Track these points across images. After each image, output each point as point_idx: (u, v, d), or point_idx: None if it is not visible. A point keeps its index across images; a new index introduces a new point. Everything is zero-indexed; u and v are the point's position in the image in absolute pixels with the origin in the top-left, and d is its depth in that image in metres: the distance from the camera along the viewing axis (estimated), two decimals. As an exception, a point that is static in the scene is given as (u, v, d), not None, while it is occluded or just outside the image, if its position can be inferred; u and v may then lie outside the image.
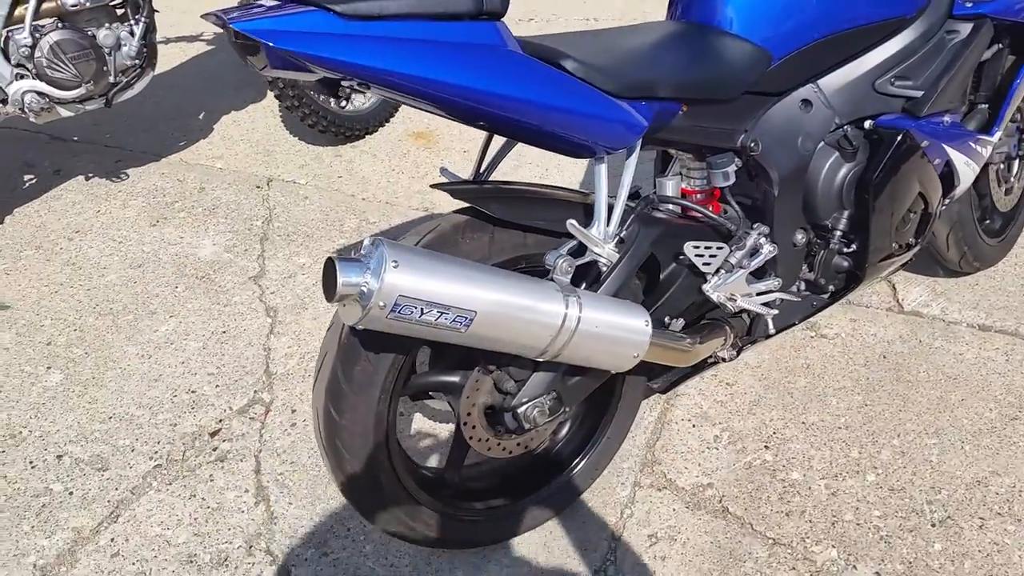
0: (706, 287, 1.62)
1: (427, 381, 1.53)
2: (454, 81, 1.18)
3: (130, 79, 2.75)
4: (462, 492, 1.63)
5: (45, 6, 2.52)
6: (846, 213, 1.71)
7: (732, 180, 1.61)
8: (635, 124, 1.36)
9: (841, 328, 2.26)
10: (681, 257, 1.57)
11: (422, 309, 1.14)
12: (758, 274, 1.71)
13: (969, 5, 1.68)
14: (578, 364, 1.41)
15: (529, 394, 1.50)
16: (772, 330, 1.79)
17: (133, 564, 1.75)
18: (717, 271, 1.63)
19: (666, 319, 1.61)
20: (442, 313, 1.16)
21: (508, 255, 1.43)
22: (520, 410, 1.50)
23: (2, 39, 2.48)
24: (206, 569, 1.73)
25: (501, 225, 1.43)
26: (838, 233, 1.72)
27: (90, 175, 3.27)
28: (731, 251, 1.63)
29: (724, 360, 1.74)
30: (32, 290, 2.62)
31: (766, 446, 1.93)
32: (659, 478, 1.87)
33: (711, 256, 1.60)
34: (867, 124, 1.68)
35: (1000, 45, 1.82)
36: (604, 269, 1.43)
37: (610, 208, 1.42)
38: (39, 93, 2.55)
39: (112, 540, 1.80)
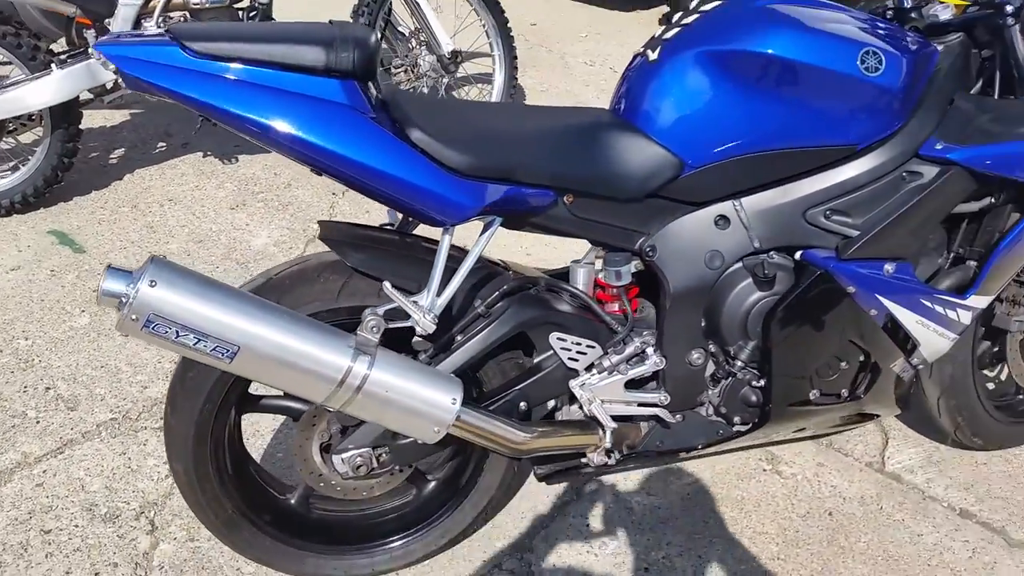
0: (573, 383, 1.56)
1: (267, 403, 1.60)
2: (283, 129, 1.25)
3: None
4: (289, 520, 1.67)
5: (173, 1, 2.89)
6: (751, 344, 1.57)
7: (625, 281, 1.55)
8: (466, 204, 1.35)
9: (803, 469, 2.06)
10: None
11: (177, 331, 1.21)
12: (643, 384, 1.62)
13: (939, 147, 1.48)
14: (378, 423, 1.42)
15: (356, 442, 1.53)
16: (664, 447, 1.68)
17: (47, 498, 1.96)
18: (589, 369, 1.57)
19: (522, 405, 1.57)
20: (200, 340, 1.22)
21: (355, 302, 1.47)
22: (344, 455, 1.53)
23: (133, 24, 2.86)
24: (97, 520, 1.90)
25: (361, 272, 1.47)
26: (740, 363, 1.59)
27: (208, 153, 3.66)
28: (606, 353, 1.56)
29: (593, 465, 1.66)
30: (109, 242, 2.99)
31: (647, 568, 1.81)
32: (524, 566, 1.81)
33: (579, 352, 1.55)
34: (797, 255, 1.54)
35: (992, 199, 1.59)
36: (420, 338, 1.42)
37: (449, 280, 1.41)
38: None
39: (44, 471, 2.03)
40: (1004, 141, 1.46)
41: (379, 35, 1.39)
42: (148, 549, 1.85)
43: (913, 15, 1.66)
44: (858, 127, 1.45)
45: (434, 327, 1.38)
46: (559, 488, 2.00)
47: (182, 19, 2.92)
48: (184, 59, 1.24)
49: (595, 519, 1.93)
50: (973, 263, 1.63)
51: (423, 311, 1.37)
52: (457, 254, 1.43)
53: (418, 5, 3.09)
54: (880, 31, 1.48)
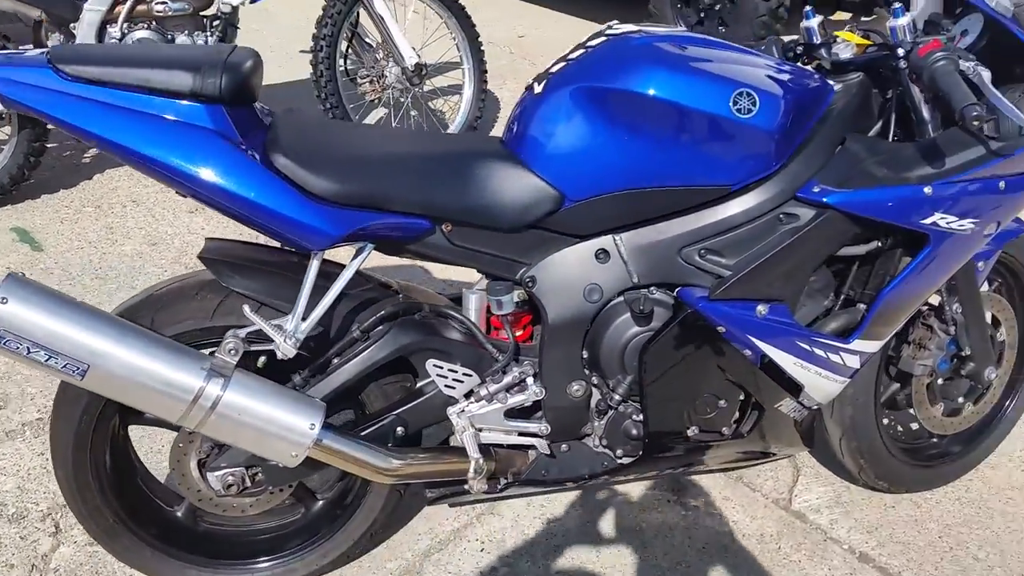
0: (450, 410, 1.57)
1: (150, 415, 1.62)
2: (147, 153, 1.28)
3: (200, 83, 3.10)
4: (176, 531, 1.70)
5: (138, 8, 2.94)
6: (629, 378, 1.57)
7: (507, 310, 1.55)
8: (326, 231, 1.36)
9: (708, 502, 2.05)
10: None
11: (28, 348, 1.24)
12: (525, 413, 1.63)
13: (817, 190, 1.46)
14: (236, 446, 1.44)
15: (229, 460, 1.55)
16: (550, 476, 1.68)
17: (-40, 494, 2.00)
18: (468, 396, 1.57)
19: (399, 430, 1.58)
20: (51, 356, 1.25)
21: (231, 322, 1.48)
22: (216, 473, 1.55)
23: (98, 30, 2.91)
24: (2, 520, 1.94)
25: (238, 292, 1.49)
26: (618, 396, 1.59)
27: (179, 156, 3.70)
28: (484, 381, 1.57)
29: (473, 492, 1.67)
30: (67, 242, 3.04)
31: (531, 596, 1.81)
32: (411, 588, 1.82)
33: (456, 380, 1.56)
34: (677, 291, 1.54)
35: (880, 242, 1.58)
36: (283, 360, 1.43)
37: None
38: (116, 80, 2.97)
39: (-39, 468, 2.07)
40: (886, 185, 1.45)
41: (257, 59, 1.40)
42: (48, 551, 1.88)
43: (822, 51, 1.65)
44: (731, 168, 1.45)
45: (295, 352, 1.40)
46: (460, 510, 2.01)
47: (145, 26, 2.97)
48: (57, 81, 1.27)
49: (490, 544, 1.93)
50: (863, 306, 1.61)
51: (285, 335, 1.38)
52: (336, 271, 1.45)
53: (382, 18, 3.11)
54: (765, 71, 1.47)
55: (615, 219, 1.50)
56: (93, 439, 1.54)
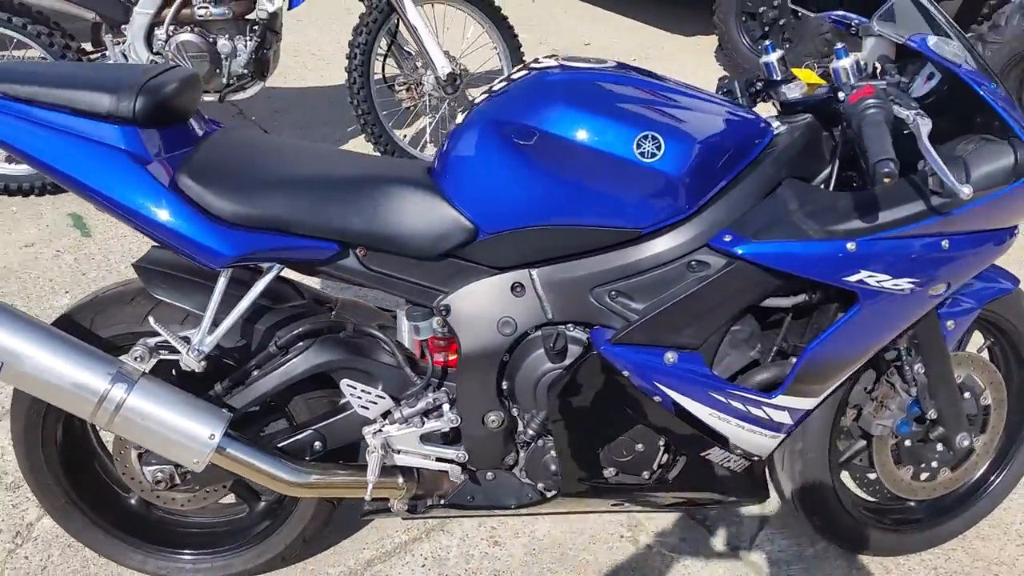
0: (365, 429, 1.59)
1: None
2: (61, 169, 1.37)
3: (242, 84, 3.24)
4: (128, 517, 1.81)
5: (183, 12, 3.09)
6: (543, 413, 1.55)
7: (423, 336, 1.56)
8: (223, 251, 1.40)
9: (662, 542, 1.99)
10: None
11: None
12: (445, 438, 1.63)
13: (728, 239, 1.39)
14: (146, 447, 1.51)
15: (158, 457, 1.62)
16: (475, 503, 1.68)
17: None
18: (386, 416, 1.59)
19: (317, 444, 1.62)
20: None
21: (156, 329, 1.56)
22: (148, 468, 1.63)
23: (146, 32, 3.09)
24: (1, 487, 2.09)
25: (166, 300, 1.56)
26: (532, 431, 1.57)
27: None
28: (399, 404, 1.58)
29: (392, 512, 1.68)
30: (112, 229, 3.24)
31: (459, 618, 1.81)
32: (347, 595, 1.86)
33: (369, 400, 1.57)
34: (590, 331, 1.50)
35: (807, 296, 1.49)
36: (187, 372, 1.49)
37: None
38: (163, 79, 3.14)
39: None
40: (805, 239, 1.37)
41: (186, 81, 1.46)
42: (33, 520, 2.02)
43: (782, 89, 1.57)
44: (639, 211, 1.40)
45: (200, 365, 1.45)
46: (412, 524, 2.03)
47: (189, 29, 3.12)
48: None
49: (432, 561, 1.95)
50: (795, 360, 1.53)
51: (190, 348, 1.44)
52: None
53: (415, 28, 3.16)
54: (685, 113, 1.41)
55: (530, 254, 1.48)
56: (45, 422, 1.65)
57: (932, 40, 1.34)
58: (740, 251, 1.38)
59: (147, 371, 1.46)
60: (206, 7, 3.05)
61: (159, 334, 1.47)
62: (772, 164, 1.44)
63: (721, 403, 1.48)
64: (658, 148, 1.35)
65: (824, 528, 1.83)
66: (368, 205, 1.45)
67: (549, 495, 1.65)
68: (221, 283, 1.46)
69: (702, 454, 1.59)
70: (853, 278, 1.37)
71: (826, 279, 1.39)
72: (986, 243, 1.44)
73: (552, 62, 1.48)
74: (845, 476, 1.90)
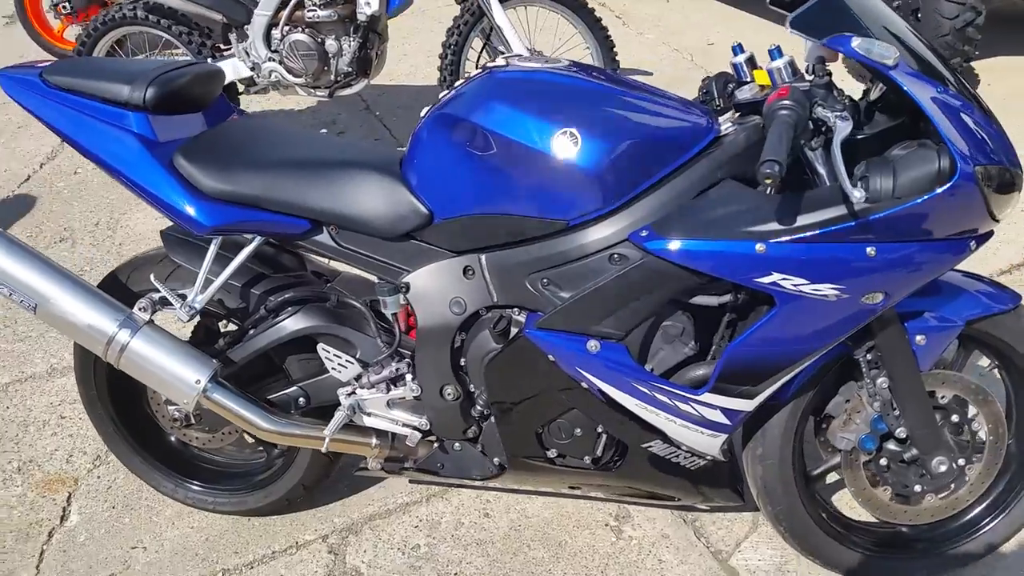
0: (340, 390, 1.77)
1: None
2: (88, 148, 1.66)
3: (348, 80, 3.54)
4: (168, 450, 2.11)
5: (296, 14, 3.43)
6: (487, 393, 1.65)
7: (391, 310, 1.69)
8: (202, 222, 1.62)
9: (645, 535, 2.02)
10: None
11: None
12: (411, 406, 1.76)
13: (644, 235, 1.40)
14: (148, 385, 1.77)
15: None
16: (444, 472, 1.81)
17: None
18: (359, 380, 1.75)
19: (301, 400, 1.81)
20: (12, 292, 1.65)
21: (175, 286, 1.80)
22: (169, 407, 1.91)
23: (265, 32, 3.45)
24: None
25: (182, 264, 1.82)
26: (479, 406, 1.67)
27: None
28: (367, 370, 1.73)
29: (368, 470, 1.85)
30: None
31: (437, 578, 1.95)
32: (341, 545, 2.05)
33: (340, 364, 1.74)
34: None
35: (734, 297, 1.46)
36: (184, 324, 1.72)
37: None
38: (279, 74, 3.50)
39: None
40: (714, 238, 1.38)
41: (200, 75, 1.70)
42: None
43: (736, 91, 1.58)
44: (563, 204, 1.47)
45: (188, 319, 1.69)
46: (415, 489, 2.19)
47: (301, 30, 3.45)
48: (41, 88, 1.68)
49: (425, 523, 2.10)
50: None
51: (183, 305, 1.68)
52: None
53: (500, 29, 3.30)
54: (616, 111, 1.47)
55: (477, 239, 1.58)
56: (96, 363, 1.95)
57: (856, 41, 1.30)
58: (650, 247, 1.42)
59: (151, 320, 1.71)
60: (315, 9, 3.35)
61: (151, 292, 1.73)
62: (709, 163, 1.46)
63: (646, 395, 1.51)
64: (575, 143, 1.42)
65: (793, 537, 1.79)
66: (335, 187, 1.62)
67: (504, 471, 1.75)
68: (211, 250, 1.69)
69: (643, 445, 1.63)
70: (765, 280, 1.37)
71: (737, 279, 1.39)
72: (932, 251, 1.37)
73: (502, 61, 1.58)
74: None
